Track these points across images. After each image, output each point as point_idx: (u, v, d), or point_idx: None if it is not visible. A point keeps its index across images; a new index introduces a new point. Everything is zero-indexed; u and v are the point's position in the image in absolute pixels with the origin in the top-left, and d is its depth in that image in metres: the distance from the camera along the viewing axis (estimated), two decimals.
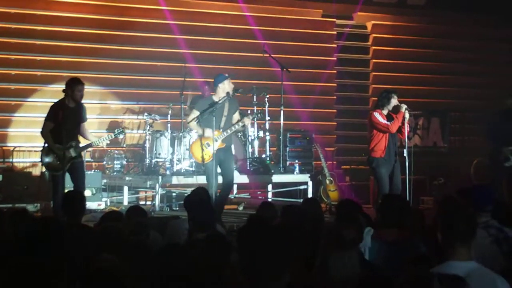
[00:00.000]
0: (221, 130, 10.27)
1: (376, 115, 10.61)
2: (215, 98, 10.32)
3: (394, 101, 10.71)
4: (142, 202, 13.63)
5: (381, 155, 10.61)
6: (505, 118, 12.29)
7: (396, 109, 10.75)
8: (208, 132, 10.16)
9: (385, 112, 10.69)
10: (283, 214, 6.14)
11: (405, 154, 10.87)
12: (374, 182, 13.55)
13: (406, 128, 10.69)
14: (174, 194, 13.05)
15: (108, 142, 10.35)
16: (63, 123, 9.59)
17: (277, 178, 13.25)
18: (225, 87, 10.33)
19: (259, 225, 4.58)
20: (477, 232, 4.47)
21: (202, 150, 10.22)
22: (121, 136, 10.63)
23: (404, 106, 10.64)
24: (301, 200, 12.53)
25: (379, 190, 10.92)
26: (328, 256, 4.08)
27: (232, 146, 12.73)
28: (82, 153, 10.19)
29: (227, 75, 10.56)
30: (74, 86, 9.71)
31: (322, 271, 4.07)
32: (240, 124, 10.56)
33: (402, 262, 4.83)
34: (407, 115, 10.63)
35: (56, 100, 10.05)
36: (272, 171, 13.19)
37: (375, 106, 11.01)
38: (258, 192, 14.16)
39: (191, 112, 10.64)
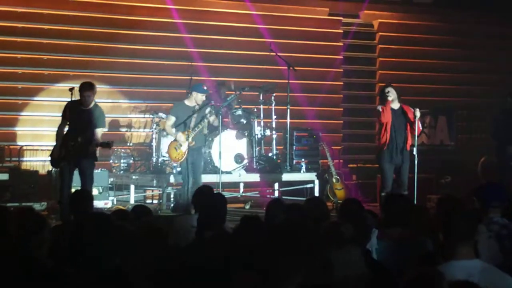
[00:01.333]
0: (191, 129, 11.03)
1: (378, 107, 10.91)
2: (188, 103, 11.11)
3: (385, 93, 10.85)
4: (148, 201, 13.64)
5: (383, 147, 10.73)
6: (510, 116, 12.29)
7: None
8: (179, 136, 11.02)
9: (394, 106, 10.78)
10: (286, 213, 6.13)
11: (414, 153, 10.91)
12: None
13: (417, 125, 10.72)
14: None
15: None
16: (72, 122, 9.88)
17: (283, 176, 13.25)
18: (198, 98, 11.08)
19: (254, 225, 4.55)
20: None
21: (176, 150, 11.09)
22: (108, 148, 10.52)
23: (389, 98, 10.71)
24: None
25: (381, 184, 11.01)
26: (328, 253, 4.06)
27: (242, 146, 12.79)
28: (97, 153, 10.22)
29: (205, 88, 11.19)
30: (81, 91, 9.91)
31: (322, 268, 4.05)
32: (206, 120, 11.21)
33: (409, 261, 4.82)
34: (417, 114, 10.72)
35: (64, 99, 10.17)
36: (279, 169, 13.23)
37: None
38: (267, 191, 14.15)
39: (167, 118, 11.41)
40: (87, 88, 9.89)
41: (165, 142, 12.99)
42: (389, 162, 10.71)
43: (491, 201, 5.85)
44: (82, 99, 9.86)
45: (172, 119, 11.15)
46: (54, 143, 10.06)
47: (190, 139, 11.02)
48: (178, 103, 11.48)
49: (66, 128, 10.02)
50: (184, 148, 11.02)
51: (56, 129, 10.12)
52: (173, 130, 11.12)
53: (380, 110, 10.73)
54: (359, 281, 3.98)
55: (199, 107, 11.12)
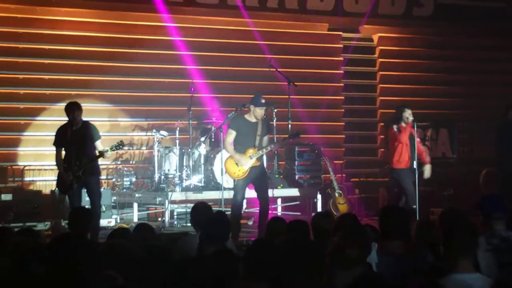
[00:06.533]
0: (256, 148, 10.54)
1: (394, 127, 11.37)
2: (248, 118, 10.59)
3: (406, 114, 11.34)
4: (152, 219, 13.64)
5: (406, 166, 11.30)
6: None
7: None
8: (240, 159, 10.45)
9: (403, 125, 11.36)
10: (289, 229, 6.14)
11: (415, 166, 11.07)
12: (384, 195, 13.62)
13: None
14: (185, 210, 13.05)
15: (109, 155, 10.41)
16: (69, 144, 9.98)
17: (286, 192, 13.25)
18: (256, 113, 10.50)
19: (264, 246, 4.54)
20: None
21: (237, 165, 10.54)
22: (121, 149, 10.80)
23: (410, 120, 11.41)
24: (311, 214, 12.56)
25: (407, 200, 11.36)
26: (334, 274, 4.07)
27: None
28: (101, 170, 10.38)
29: (263, 101, 10.56)
30: (72, 111, 10.04)
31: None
32: (273, 146, 11.14)
33: (410, 274, 4.82)
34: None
35: (66, 119, 10.19)
36: (281, 185, 13.24)
37: (393, 121, 11.64)
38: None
39: (228, 132, 10.76)
40: (77, 107, 10.08)
41: (168, 160, 13.04)
42: (409, 179, 11.30)
43: (493, 213, 5.85)
44: (73, 120, 10.00)
45: (233, 134, 10.56)
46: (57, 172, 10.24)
47: (254, 159, 10.48)
48: (239, 116, 10.99)
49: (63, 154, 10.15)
50: (247, 166, 10.49)
51: (55, 159, 10.21)
52: (232, 147, 10.53)
53: (396, 130, 11.33)
54: None
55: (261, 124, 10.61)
